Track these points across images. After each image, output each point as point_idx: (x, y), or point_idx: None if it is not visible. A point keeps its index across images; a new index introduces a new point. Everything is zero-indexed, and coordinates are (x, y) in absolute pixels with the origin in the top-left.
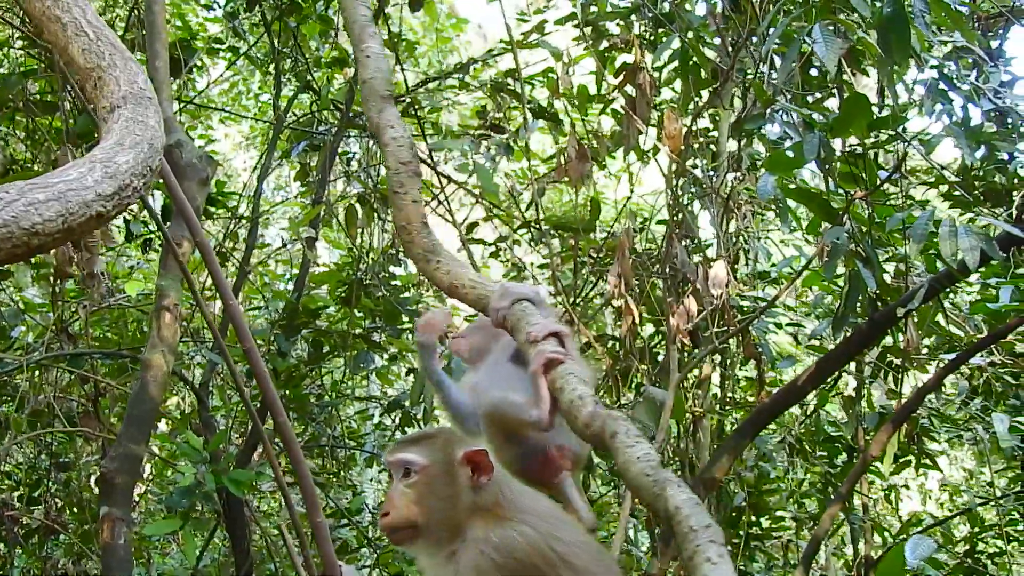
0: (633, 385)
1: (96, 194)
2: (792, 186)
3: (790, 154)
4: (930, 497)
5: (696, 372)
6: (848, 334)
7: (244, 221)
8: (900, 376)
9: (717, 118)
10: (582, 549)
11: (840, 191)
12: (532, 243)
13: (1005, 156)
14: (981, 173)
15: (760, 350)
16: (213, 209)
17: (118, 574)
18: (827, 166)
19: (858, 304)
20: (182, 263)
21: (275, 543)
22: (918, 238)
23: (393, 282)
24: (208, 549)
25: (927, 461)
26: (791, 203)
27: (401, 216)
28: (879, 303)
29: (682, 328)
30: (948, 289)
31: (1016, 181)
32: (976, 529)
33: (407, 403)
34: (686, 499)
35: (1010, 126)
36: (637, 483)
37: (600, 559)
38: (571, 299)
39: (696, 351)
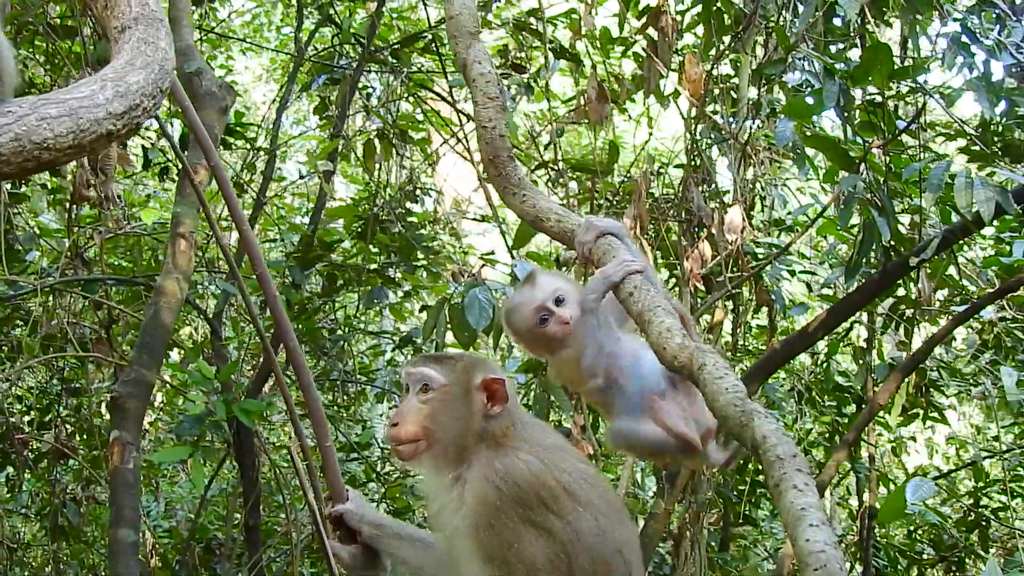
0: None
1: (107, 112)
2: (810, 134)
3: (810, 101)
4: (936, 451)
5: (708, 317)
6: (861, 283)
7: (262, 153)
8: (911, 328)
9: (738, 64)
10: (587, 483)
11: (858, 140)
12: (549, 184)
13: None
14: (1000, 128)
15: (772, 297)
16: (231, 140)
17: (126, 498)
18: (846, 114)
19: (872, 253)
20: (198, 189)
21: (284, 474)
22: (934, 188)
23: (409, 219)
24: (216, 479)
25: (935, 414)
26: (808, 151)
27: (489, 150)
28: (892, 253)
29: (696, 272)
30: (961, 242)
31: None
32: (980, 483)
33: (419, 339)
34: (773, 429)
35: None
36: (724, 413)
37: (605, 494)
38: None
39: (709, 296)
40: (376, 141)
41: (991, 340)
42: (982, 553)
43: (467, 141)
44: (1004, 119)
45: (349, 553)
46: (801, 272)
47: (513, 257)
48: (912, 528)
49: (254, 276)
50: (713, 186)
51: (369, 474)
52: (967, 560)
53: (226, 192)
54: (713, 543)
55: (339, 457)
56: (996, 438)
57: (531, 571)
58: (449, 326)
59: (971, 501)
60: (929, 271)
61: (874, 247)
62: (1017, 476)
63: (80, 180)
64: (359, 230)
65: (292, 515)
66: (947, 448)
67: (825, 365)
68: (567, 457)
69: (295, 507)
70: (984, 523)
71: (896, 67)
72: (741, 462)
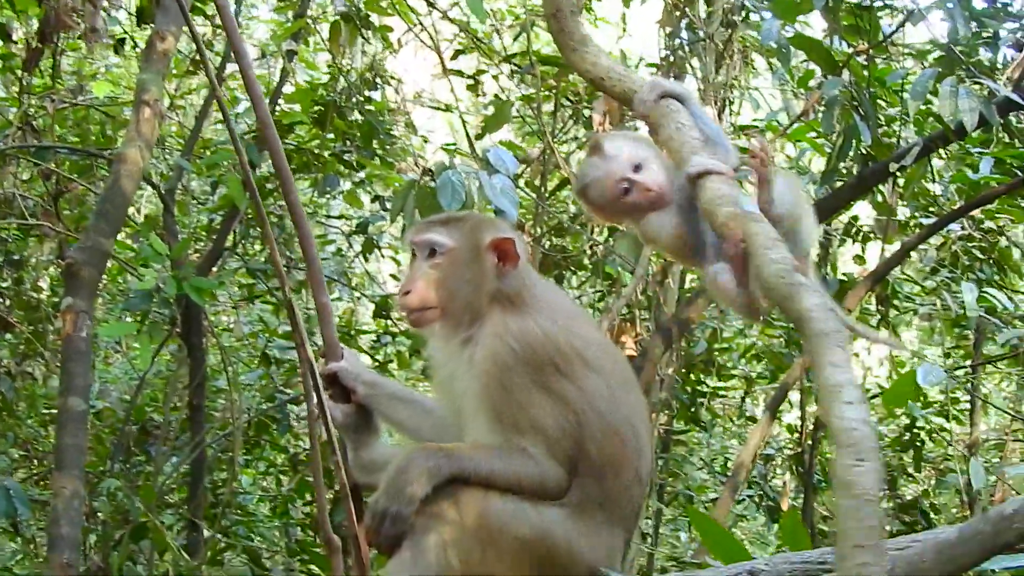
0: None
1: None
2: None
3: None
4: (871, 372)
5: None
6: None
7: (220, 30)
8: (864, 244)
9: None
10: (599, 347)
11: (842, 44)
12: (513, 77)
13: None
14: (968, 49)
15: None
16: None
17: (78, 366)
18: (833, 15)
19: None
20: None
21: (230, 356)
22: (918, 95)
23: (367, 107)
24: (156, 361)
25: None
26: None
27: (551, 4)
28: (869, 160)
29: None
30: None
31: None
32: (917, 404)
33: (374, 225)
34: (818, 303)
35: (999, 4)
36: (770, 284)
37: (617, 363)
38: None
39: None
40: (342, 23)
41: (948, 258)
42: (914, 474)
43: (435, 31)
44: (973, 39)
45: (343, 412)
46: None
47: (471, 146)
48: None
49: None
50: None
51: (317, 357)
52: (900, 479)
53: (227, 23)
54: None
55: (283, 345)
56: (947, 355)
57: (541, 435)
58: (417, 209)
59: (907, 422)
60: (904, 180)
61: (852, 152)
62: (955, 399)
63: (65, 9)
64: (316, 116)
65: (235, 395)
66: (879, 368)
67: None
68: (582, 323)
69: (239, 390)
70: (919, 444)
71: None
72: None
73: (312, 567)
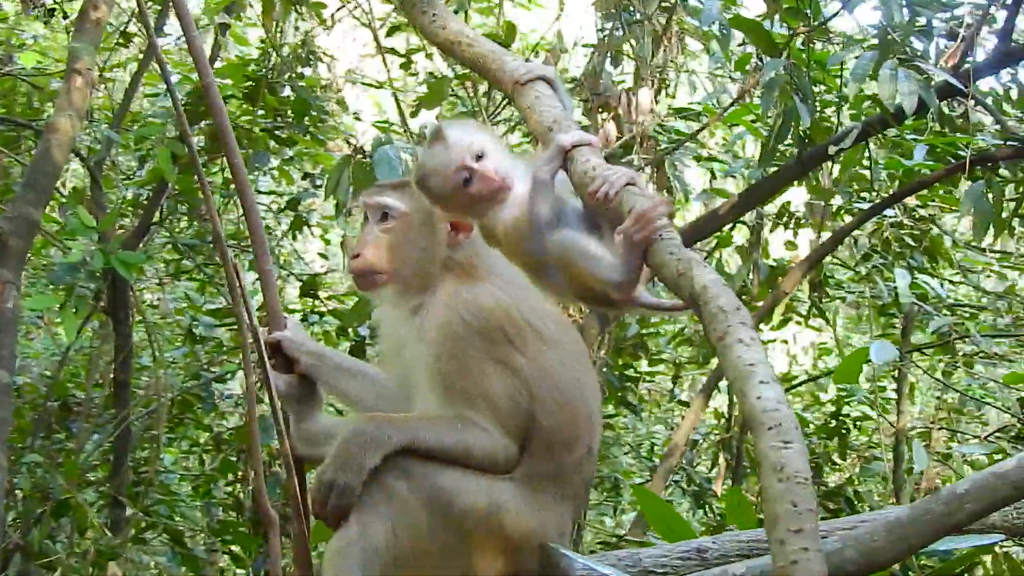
0: None
1: None
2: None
3: None
4: (796, 361)
5: None
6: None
7: (154, 2)
8: (796, 231)
9: None
10: (552, 319)
11: (782, 26)
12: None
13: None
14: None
15: (673, 183)
16: None
17: (5, 337)
18: None
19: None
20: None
21: (155, 332)
22: (858, 77)
23: (300, 83)
24: (78, 336)
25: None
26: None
27: None
28: (807, 144)
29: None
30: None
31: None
32: (843, 392)
33: (314, 201)
34: (714, 279)
35: None
36: (659, 260)
37: (570, 337)
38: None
39: None
40: None
41: (879, 245)
42: (839, 461)
43: (371, 8)
44: (907, 25)
45: (285, 382)
46: (706, 159)
47: (404, 123)
48: None
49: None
50: (621, 67)
51: (238, 340)
52: (824, 467)
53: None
54: None
55: (209, 322)
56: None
57: (492, 407)
58: (352, 184)
59: (833, 409)
60: (841, 164)
61: (791, 134)
62: (880, 387)
63: None
64: (247, 91)
65: (161, 372)
66: (803, 356)
67: (716, 261)
68: (535, 295)
69: (164, 367)
70: (844, 431)
71: None
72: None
73: (234, 548)
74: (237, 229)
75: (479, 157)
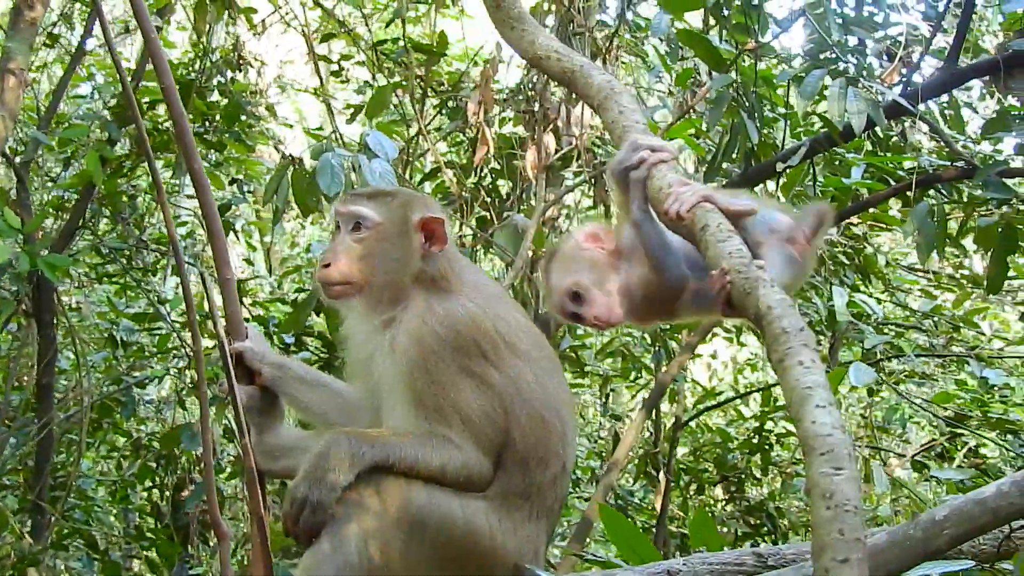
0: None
1: None
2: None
3: None
4: (716, 375)
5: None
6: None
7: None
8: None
9: None
10: (525, 333)
11: (726, 42)
12: (376, 64)
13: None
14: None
15: (610, 197)
16: None
17: None
18: (722, 11)
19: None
20: None
21: (78, 335)
22: (808, 95)
23: (230, 88)
24: None
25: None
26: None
27: None
28: (752, 160)
29: (536, 164)
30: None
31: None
32: (767, 408)
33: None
34: (779, 299)
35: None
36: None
37: (544, 350)
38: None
39: (548, 189)
40: (208, 1)
41: (814, 264)
42: (759, 476)
43: (304, 12)
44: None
45: (247, 394)
46: None
47: (336, 131)
48: (696, 448)
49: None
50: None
51: (161, 346)
52: (747, 482)
53: None
54: None
55: (130, 327)
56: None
57: (465, 423)
58: (292, 192)
59: (756, 425)
60: (786, 181)
61: (737, 150)
62: None
63: None
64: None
65: (83, 376)
66: (724, 372)
67: None
68: (508, 307)
69: (87, 371)
70: (767, 447)
71: None
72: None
73: (150, 554)
74: (160, 233)
75: (576, 298)
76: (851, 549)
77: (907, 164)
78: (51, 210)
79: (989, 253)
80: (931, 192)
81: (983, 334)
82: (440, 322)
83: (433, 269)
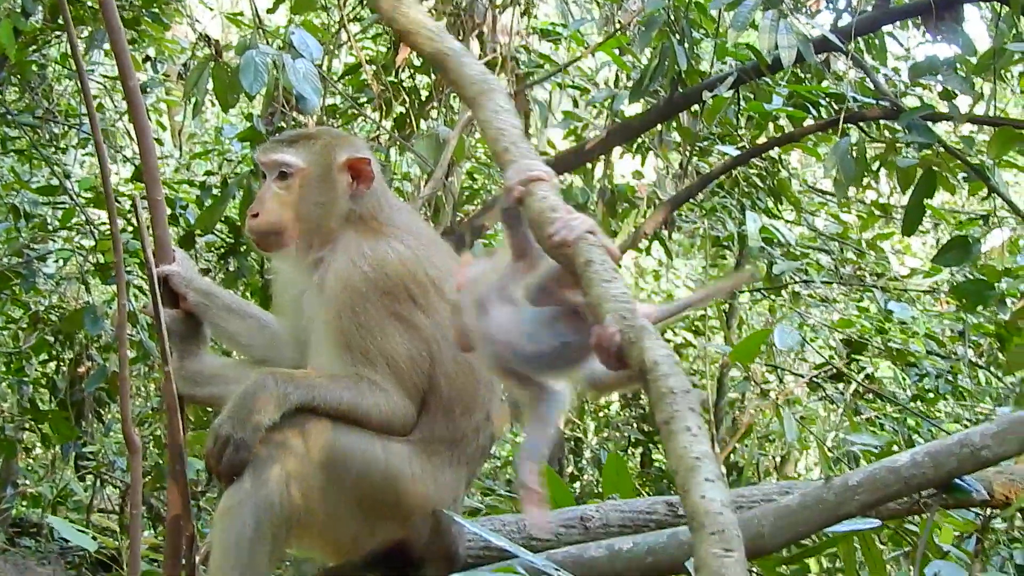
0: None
1: None
2: None
3: None
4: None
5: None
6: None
7: None
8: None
9: None
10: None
11: None
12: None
13: None
14: None
15: (534, 108)
16: None
17: None
18: None
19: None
20: None
21: None
22: (739, 25)
23: None
24: None
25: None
26: None
27: None
28: (678, 85)
29: None
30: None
31: None
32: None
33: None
34: (665, 355)
35: None
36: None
37: None
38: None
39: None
40: None
41: (728, 182)
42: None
43: None
44: None
45: (170, 317)
46: (570, 87)
47: (258, 20)
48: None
49: None
50: None
51: (65, 221)
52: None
53: None
54: None
55: (35, 199)
56: (704, 271)
57: (392, 366)
58: (213, 87)
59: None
60: (710, 107)
61: (665, 74)
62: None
63: None
64: None
65: None
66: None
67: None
68: (439, 251)
69: None
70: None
71: None
72: None
73: (43, 427)
74: (69, 105)
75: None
76: None
77: (829, 92)
78: None
79: (907, 193)
80: (852, 129)
81: (887, 261)
82: (370, 264)
83: (362, 208)
